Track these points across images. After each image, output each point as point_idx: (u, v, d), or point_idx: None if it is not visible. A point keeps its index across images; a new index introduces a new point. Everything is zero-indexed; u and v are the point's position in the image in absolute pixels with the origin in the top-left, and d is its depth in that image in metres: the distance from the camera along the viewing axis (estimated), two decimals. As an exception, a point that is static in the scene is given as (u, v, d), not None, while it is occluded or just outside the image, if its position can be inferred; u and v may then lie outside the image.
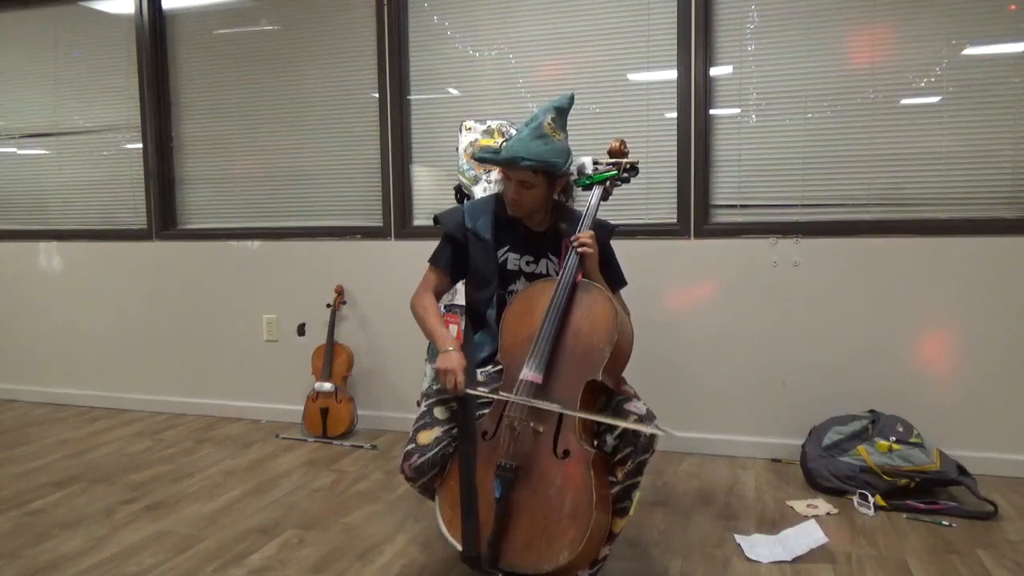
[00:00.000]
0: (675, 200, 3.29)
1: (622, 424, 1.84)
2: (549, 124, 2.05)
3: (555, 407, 1.84)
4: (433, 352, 2.47)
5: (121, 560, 2.29)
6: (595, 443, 1.92)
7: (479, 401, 2.00)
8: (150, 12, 3.98)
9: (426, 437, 1.97)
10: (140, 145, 4.08)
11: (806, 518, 2.53)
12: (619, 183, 2.22)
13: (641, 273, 3.04)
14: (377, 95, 3.67)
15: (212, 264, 4.00)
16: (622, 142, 2.24)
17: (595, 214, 2.12)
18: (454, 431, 1.97)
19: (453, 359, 1.98)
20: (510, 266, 2.19)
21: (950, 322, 3.00)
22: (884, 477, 2.68)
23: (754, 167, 3.22)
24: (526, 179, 2.05)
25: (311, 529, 2.51)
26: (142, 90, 4.04)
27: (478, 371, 2.10)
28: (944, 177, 3.02)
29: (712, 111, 3.23)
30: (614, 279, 2.23)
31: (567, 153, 2.09)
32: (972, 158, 2.99)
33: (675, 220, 3.29)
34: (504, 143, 2.08)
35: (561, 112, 2.11)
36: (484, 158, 2.13)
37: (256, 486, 2.93)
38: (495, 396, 1.93)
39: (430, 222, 3.28)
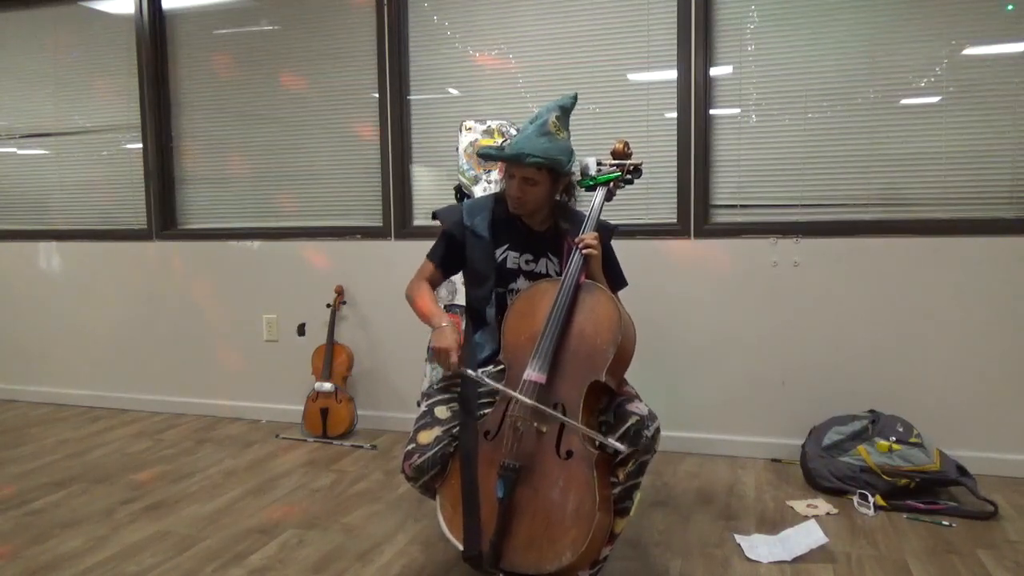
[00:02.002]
0: (675, 200, 3.29)
1: (609, 442, 1.80)
2: (554, 122, 2.05)
3: (558, 415, 1.83)
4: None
5: (121, 560, 2.29)
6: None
7: (480, 401, 2.01)
8: (150, 12, 3.97)
9: (426, 437, 1.97)
10: (140, 145, 4.07)
11: (806, 518, 2.53)
12: (623, 184, 2.22)
13: (641, 273, 3.03)
14: (377, 95, 3.67)
15: (212, 264, 3.99)
16: (626, 143, 2.24)
17: (599, 215, 2.12)
18: (455, 431, 1.97)
19: (447, 337, 1.97)
20: (509, 264, 2.19)
21: (950, 322, 3.00)
22: (884, 477, 2.68)
23: (754, 167, 3.22)
24: (530, 176, 2.05)
25: (311, 529, 2.51)
26: (142, 90, 4.03)
27: (479, 371, 2.10)
28: (944, 177, 3.03)
29: (712, 111, 3.23)
30: (614, 280, 2.23)
31: (571, 152, 2.10)
32: (972, 158, 2.99)
33: (675, 220, 3.29)
34: (505, 142, 2.08)
35: (565, 111, 2.12)
36: (489, 154, 2.13)
37: (256, 486, 2.93)
38: (494, 384, 1.93)
39: (430, 222, 3.28)
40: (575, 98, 2.15)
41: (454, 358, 1.95)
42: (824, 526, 2.41)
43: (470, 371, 1.95)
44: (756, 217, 3.23)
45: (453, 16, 3.54)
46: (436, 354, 1.97)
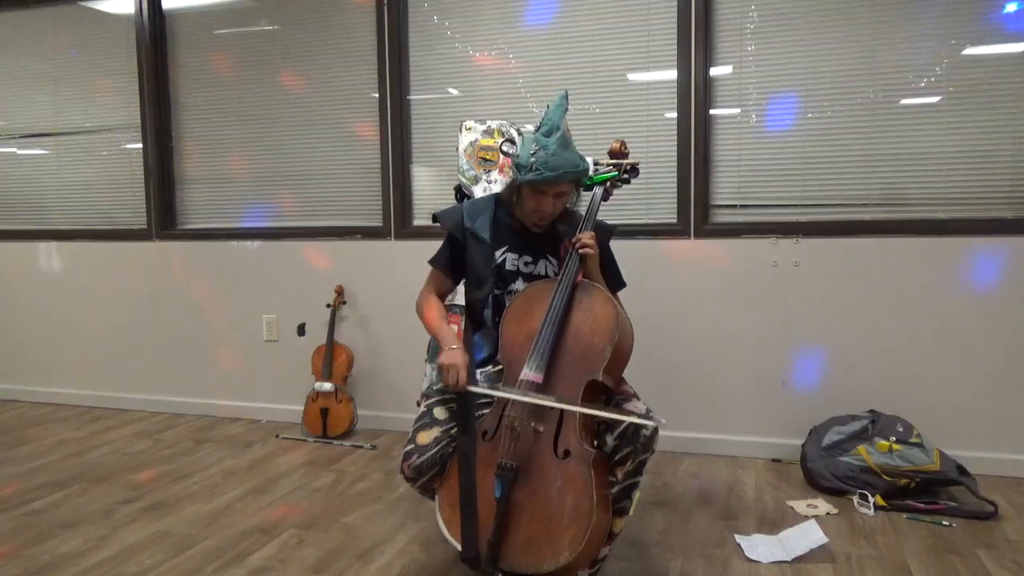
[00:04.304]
0: (675, 200, 3.29)
1: (623, 418, 1.84)
2: (567, 129, 2.06)
3: (555, 402, 1.84)
4: (434, 352, 2.47)
5: (121, 560, 2.29)
6: (595, 443, 1.92)
7: (479, 401, 2.01)
8: (150, 12, 3.98)
9: (425, 437, 1.97)
10: (140, 145, 4.08)
11: (806, 518, 2.53)
12: (619, 184, 2.23)
13: (641, 273, 3.04)
14: (377, 95, 3.67)
15: (212, 264, 4.00)
16: (622, 143, 2.25)
17: (596, 215, 2.12)
18: (453, 431, 1.97)
19: (456, 356, 1.98)
20: (508, 266, 2.19)
21: (950, 322, 3.00)
22: (884, 477, 2.68)
23: (754, 167, 3.22)
24: (564, 190, 2.07)
25: (311, 529, 2.51)
26: (142, 90, 4.04)
27: (477, 371, 2.10)
28: (944, 177, 3.02)
29: (712, 111, 3.23)
30: (613, 281, 2.23)
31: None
32: (972, 158, 2.98)
33: (675, 220, 3.29)
34: (533, 156, 2.02)
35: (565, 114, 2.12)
36: (541, 179, 2.00)
37: (256, 486, 2.93)
38: (497, 393, 1.93)
39: (430, 222, 3.28)
40: (567, 98, 2.16)
41: (463, 373, 1.94)
42: (824, 526, 2.41)
43: (474, 388, 1.96)
44: (756, 217, 3.23)
45: (453, 16, 3.54)
46: (443, 370, 1.98)
